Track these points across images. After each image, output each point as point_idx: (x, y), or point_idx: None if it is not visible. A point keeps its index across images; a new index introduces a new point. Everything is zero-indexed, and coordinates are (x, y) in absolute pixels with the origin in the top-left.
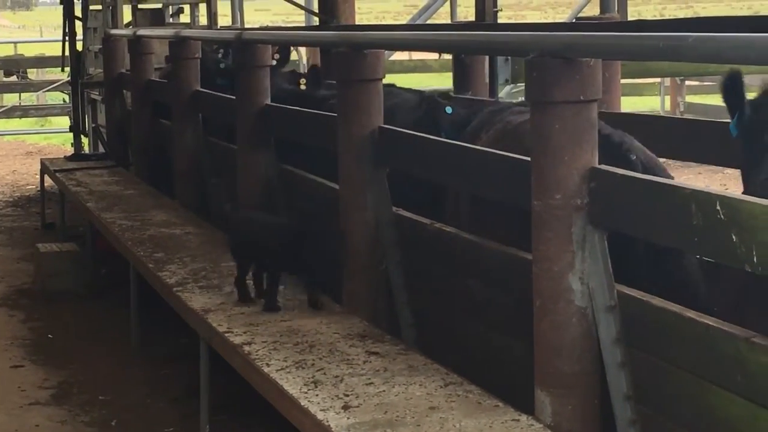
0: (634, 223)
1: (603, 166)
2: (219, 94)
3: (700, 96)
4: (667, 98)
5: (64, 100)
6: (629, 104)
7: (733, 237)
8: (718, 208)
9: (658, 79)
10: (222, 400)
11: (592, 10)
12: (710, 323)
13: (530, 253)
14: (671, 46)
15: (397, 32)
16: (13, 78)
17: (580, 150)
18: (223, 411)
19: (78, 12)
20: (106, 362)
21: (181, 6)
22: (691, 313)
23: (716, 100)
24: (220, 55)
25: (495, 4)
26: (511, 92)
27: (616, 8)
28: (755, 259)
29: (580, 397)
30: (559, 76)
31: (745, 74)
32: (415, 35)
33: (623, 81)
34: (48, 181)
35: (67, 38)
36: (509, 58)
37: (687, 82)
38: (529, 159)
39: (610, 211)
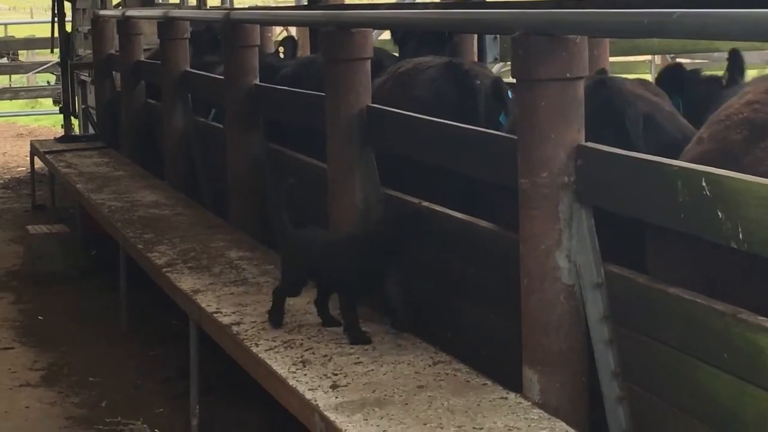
0: (621, 201)
1: (590, 144)
2: (207, 74)
3: None
4: None
5: (48, 82)
6: None
7: (719, 213)
8: (704, 184)
9: (649, 57)
10: (212, 381)
11: None
12: (697, 300)
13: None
14: (656, 22)
15: (384, 11)
16: (4, 60)
17: (566, 127)
18: (212, 391)
19: None
20: (96, 344)
21: None
22: (677, 290)
23: None
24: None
25: None
26: (500, 71)
27: None
28: (740, 236)
29: (568, 375)
30: (545, 54)
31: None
32: (402, 14)
33: (613, 59)
34: (38, 163)
35: (56, 19)
36: (498, 36)
37: (678, 60)
38: (515, 137)
39: (596, 189)
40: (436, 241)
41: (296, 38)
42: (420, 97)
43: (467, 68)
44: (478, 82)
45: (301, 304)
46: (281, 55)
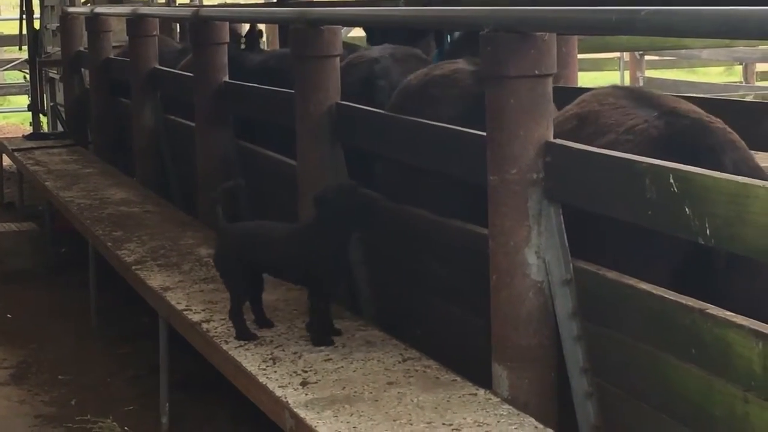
0: (590, 197)
1: (559, 141)
2: (176, 71)
3: (660, 70)
4: (627, 73)
5: (25, 78)
6: (588, 79)
7: (687, 209)
8: (672, 180)
9: (618, 54)
10: (182, 378)
11: None
12: (665, 295)
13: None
14: (624, 19)
15: (353, 8)
16: None
17: (535, 124)
18: (182, 389)
19: None
20: (66, 341)
21: None
22: (646, 286)
23: (676, 74)
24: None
25: None
26: None
27: None
28: (708, 232)
29: (537, 371)
30: (513, 51)
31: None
32: (370, 11)
33: (582, 56)
34: (6, 161)
35: (24, 16)
36: None
37: (646, 57)
38: (485, 134)
39: (565, 185)
40: (405, 238)
41: (261, 30)
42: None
43: (377, 68)
44: (382, 83)
45: (270, 301)
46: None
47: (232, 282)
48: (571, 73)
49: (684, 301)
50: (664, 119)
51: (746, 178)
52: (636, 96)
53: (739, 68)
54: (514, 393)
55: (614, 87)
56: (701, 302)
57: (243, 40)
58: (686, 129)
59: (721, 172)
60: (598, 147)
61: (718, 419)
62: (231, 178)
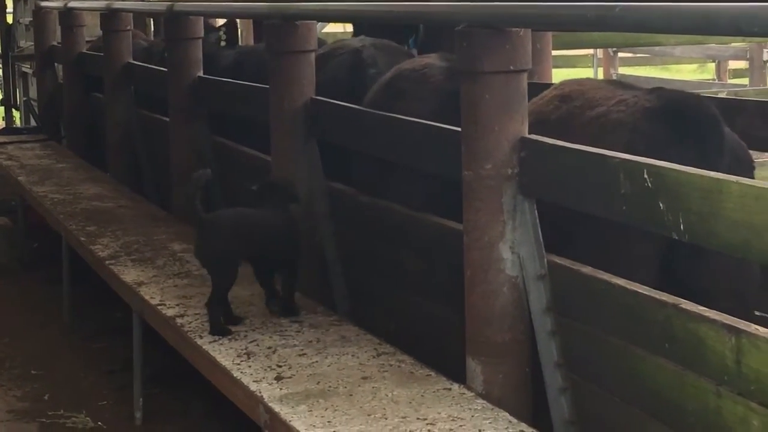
0: (564, 192)
1: (533, 136)
2: (151, 66)
3: (633, 68)
4: (600, 70)
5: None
6: (562, 76)
7: (661, 205)
8: (646, 176)
9: (591, 51)
10: (156, 373)
11: None
12: (639, 290)
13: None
14: (598, 15)
15: (328, 3)
16: None
17: (509, 120)
18: (156, 383)
19: None
20: (39, 336)
21: None
22: (620, 281)
23: (649, 71)
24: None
25: None
26: None
27: None
28: (682, 227)
29: (511, 366)
30: (488, 46)
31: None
32: (345, 6)
33: (556, 53)
34: None
35: None
36: None
37: (619, 54)
38: (459, 129)
39: (540, 181)
40: (380, 233)
41: (236, 24)
42: (321, 83)
43: (365, 57)
44: (373, 71)
45: (245, 296)
46: (222, 42)
47: (220, 272)
48: (545, 70)
49: (657, 296)
50: (656, 94)
51: (720, 173)
52: (614, 82)
53: (712, 65)
54: (488, 388)
55: (588, 78)
56: (675, 297)
57: (223, 34)
58: (683, 100)
59: (721, 142)
60: (589, 119)
61: (691, 413)
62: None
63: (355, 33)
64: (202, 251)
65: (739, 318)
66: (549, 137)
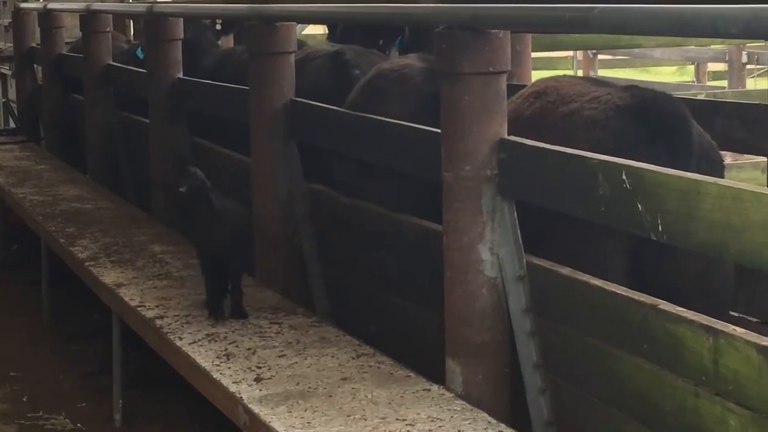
0: (543, 194)
1: (512, 137)
2: (130, 67)
3: (613, 70)
4: (580, 72)
5: None
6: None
7: (639, 206)
8: (624, 177)
9: (571, 53)
10: (135, 375)
11: None
12: (617, 291)
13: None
14: (577, 17)
15: (307, 5)
16: None
17: (489, 121)
18: (136, 385)
19: None
20: (18, 338)
21: None
22: (598, 282)
23: (628, 73)
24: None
25: None
26: None
27: None
28: (660, 227)
29: (491, 366)
30: (467, 48)
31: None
32: (324, 8)
33: (535, 54)
34: None
35: None
36: None
37: (599, 56)
38: (438, 131)
39: (519, 182)
40: (359, 234)
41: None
42: (303, 87)
43: (348, 58)
44: (357, 72)
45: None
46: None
47: (241, 258)
48: (524, 71)
49: (636, 297)
50: (629, 92)
51: (697, 174)
52: (590, 79)
53: (692, 68)
54: (467, 389)
55: (566, 75)
56: (653, 298)
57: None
58: (654, 99)
59: (689, 141)
60: (561, 114)
61: (669, 413)
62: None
63: (330, 36)
64: (218, 239)
65: (713, 318)
66: (523, 133)
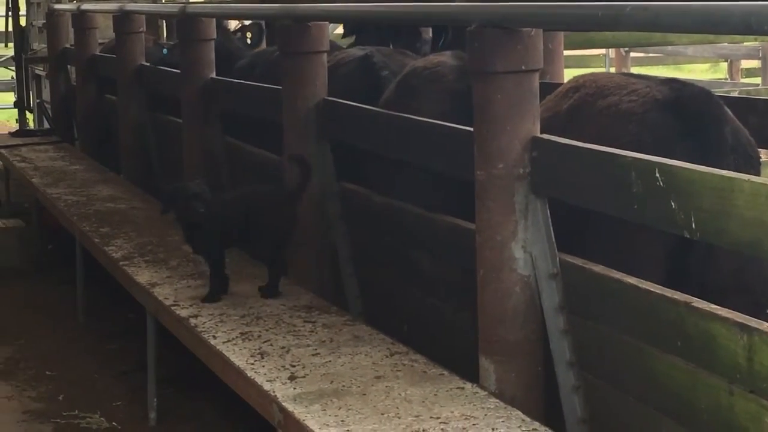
0: (576, 192)
1: (545, 135)
2: (163, 68)
3: (645, 67)
4: (612, 70)
5: (12, 77)
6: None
7: (672, 203)
8: (657, 175)
9: (603, 51)
10: (170, 374)
11: None
12: (651, 289)
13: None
14: (609, 15)
15: (340, 5)
16: None
17: (521, 120)
18: (170, 384)
19: None
20: (53, 337)
21: None
22: (632, 280)
23: (661, 71)
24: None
25: None
26: None
27: None
28: (693, 225)
29: (524, 364)
30: (500, 47)
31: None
32: (357, 7)
33: (568, 53)
34: None
35: (10, 13)
36: None
37: (632, 54)
38: (471, 129)
39: (551, 180)
40: (392, 233)
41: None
42: (336, 92)
43: (376, 61)
44: (386, 73)
45: (259, 296)
46: (249, 41)
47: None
48: (557, 69)
49: (670, 295)
50: (668, 85)
51: (731, 172)
52: (629, 74)
53: (725, 65)
54: (501, 387)
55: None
56: (687, 296)
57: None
58: (693, 95)
59: (724, 139)
60: (600, 107)
61: (703, 411)
62: (218, 173)
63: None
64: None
65: (749, 315)
66: (562, 127)
